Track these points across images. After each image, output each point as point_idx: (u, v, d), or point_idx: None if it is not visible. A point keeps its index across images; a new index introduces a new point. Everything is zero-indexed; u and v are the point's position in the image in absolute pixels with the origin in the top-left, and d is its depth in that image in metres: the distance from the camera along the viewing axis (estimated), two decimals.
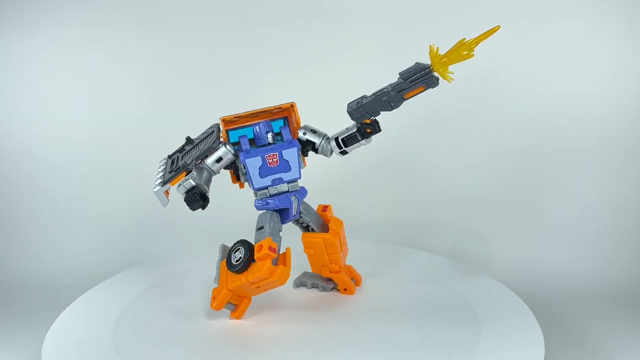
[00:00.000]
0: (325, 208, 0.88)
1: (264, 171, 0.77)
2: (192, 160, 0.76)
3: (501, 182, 1.41)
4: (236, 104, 1.46)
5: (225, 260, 0.79)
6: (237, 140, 0.79)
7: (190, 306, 0.85)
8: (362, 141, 0.77)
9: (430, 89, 0.72)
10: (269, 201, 0.79)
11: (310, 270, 0.93)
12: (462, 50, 0.68)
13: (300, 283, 0.93)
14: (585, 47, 1.38)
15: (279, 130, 0.80)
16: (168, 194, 0.78)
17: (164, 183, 0.76)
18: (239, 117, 0.79)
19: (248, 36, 1.48)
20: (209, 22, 1.47)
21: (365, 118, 0.76)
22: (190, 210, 0.76)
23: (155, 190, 0.76)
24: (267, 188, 0.79)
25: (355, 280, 0.91)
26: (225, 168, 0.81)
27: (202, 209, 0.76)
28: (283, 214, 0.80)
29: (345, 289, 0.89)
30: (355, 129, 0.77)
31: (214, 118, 1.52)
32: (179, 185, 0.75)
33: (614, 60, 1.36)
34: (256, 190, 0.79)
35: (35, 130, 1.45)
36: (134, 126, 1.48)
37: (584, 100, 1.38)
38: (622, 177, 1.35)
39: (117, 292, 0.90)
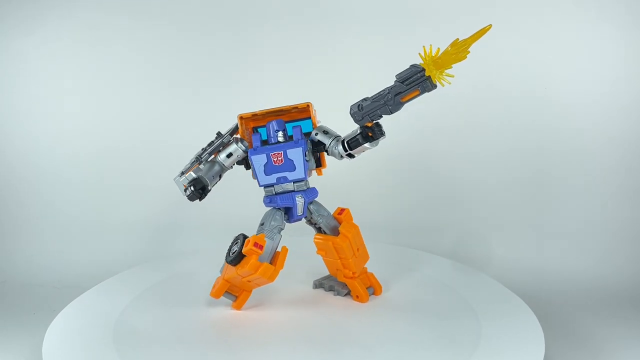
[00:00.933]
0: (341, 211, 0.86)
1: (269, 169, 0.79)
2: (206, 153, 0.82)
3: (501, 182, 1.41)
4: (238, 105, 1.47)
5: None
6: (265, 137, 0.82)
7: (190, 306, 0.85)
8: (365, 145, 0.75)
9: (428, 93, 0.69)
10: (272, 199, 0.81)
11: None
12: (454, 51, 0.65)
13: (319, 284, 0.92)
14: (585, 46, 1.38)
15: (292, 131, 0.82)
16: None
17: (182, 173, 0.81)
18: (256, 114, 0.82)
19: (252, 37, 1.48)
20: (212, 22, 1.47)
21: (366, 121, 0.74)
22: (189, 201, 0.81)
23: (174, 179, 0.82)
24: (272, 186, 0.80)
25: (374, 289, 0.88)
26: (238, 164, 0.84)
27: (199, 200, 0.81)
28: (290, 213, 0.82)
29: (357, 296, 0.86)
30: (358, 132, 0.76)
31: (215, 119, 1.53)
32: (181, 175, 0.80)
33: (614, 61, 1.36)
34: (261, 187, 0.81)
35: (35, 130, 1.45)
36: (134, 126, 1.48)
37: (584, 100, 1.38)
38: (622, 177, 1.35)
39: (117, 292, 0.90)
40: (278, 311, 0.83)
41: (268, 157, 0.79)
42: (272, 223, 0.80)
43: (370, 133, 0.75)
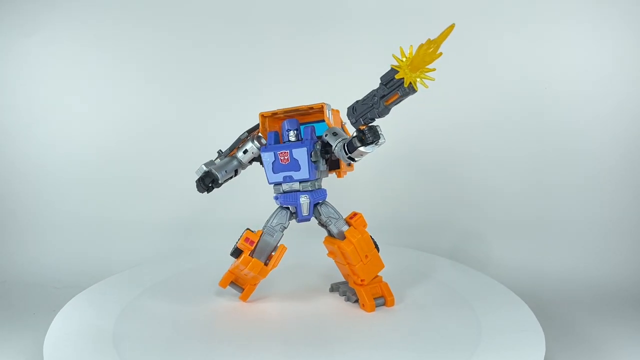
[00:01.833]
0: (353, 216, 0.84)
1: (276, 167, 0.80)
2: (227, 149, 0.85)
3: (501, 182, 1.41)
4: (239, 107, 1.47)
5: None
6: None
7: (190, 306, 0.85)
8: (360, 148, 0.70)
9: (412, 95, 0.65)
10: (278, 197, 0.82)
11: None
12: (424, 53, 0.60)
13: (335, 288, 0.92)
14: (586, 46, 1.38)
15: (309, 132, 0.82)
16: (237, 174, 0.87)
17: (206, 166, 0.85)
18: (275, 113, 0.83)
19: (257, 39, 1.48)
20: (215, 23, 1.47)
21: (360, 124, 0.71)
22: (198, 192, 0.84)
23: (196, 171, 0.85)
24: (280, 184, 0.81)
25: (385, 299, 0.84)
26: (255, 161, 0.86)
27: (207, 192, 0.84)
28: (297, 212, 0.82)
29: (363, 305, 0.83)
30: (354, 135, 0.73)
31: (215, 119, 1.53)
32: (199, 169, 0.84)
33: (615, 61, 1.36)
34: (270, 184, 0.82)
35: (35, 130, 1.45)
36: (135, 126, 1.48)
37: (585, 100, 1.38)
38: (622, 177, 1.35)
39: (117, 291, 0.90)
40: (280, 312, 0.83)
41: (276, 155, 0.80)
42: (275, 220, 0.82)
43: (363, 136, 0.70)
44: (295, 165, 0.79)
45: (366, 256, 0.81)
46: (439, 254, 1.23)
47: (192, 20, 1.47)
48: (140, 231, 1.39)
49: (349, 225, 0.82)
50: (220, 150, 0.86)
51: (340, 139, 0.77)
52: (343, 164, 0.83)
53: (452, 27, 0.57)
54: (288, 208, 0.83)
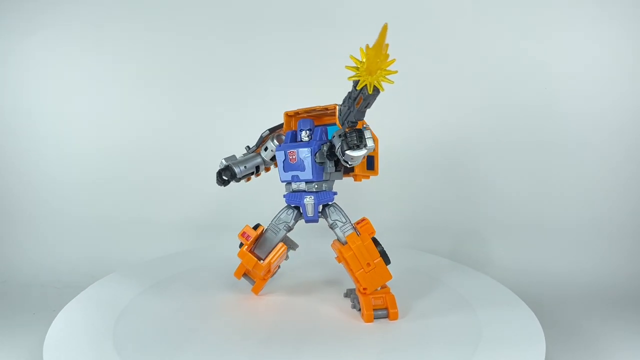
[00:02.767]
0: (361, 221, 0.82)
1: (286, 166, 0.80)
2: (254, 145, 0.87)
3: (501, 182, 1.41)
4: (246, 107, 1.47)
5: None
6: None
7: (191, 305, 0.85)
8: (347, 152, 0.68)
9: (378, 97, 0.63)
10: (285, 195, 0.82)
11: None
12: (371, 56, 0.58)
13: (348, 294, 0.91)
14: (585, 45, 1.38)
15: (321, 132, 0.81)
16: (249, 179, 0.88)
17: (226, 160, 0.86)
18: (297, 112, 0.83)
19: (265, 38, 1.48)
20: (214, 24, 1.47)
21: (347, 126, 0.70)
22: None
23: (219, 163, 0.86)
24: (290, 183, 0.81)
25: (388, 312, 0.80)
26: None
27: (224, 186, 0.85)
28: (303, 213, 0.82)
29: (363, 314, 0.81)
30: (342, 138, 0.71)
31: (216, 119, 1.53)
32: (220, 163, 0.86)
33: (615, 60, 1.36)
34: (282, 182, 0.82)
35: (35, 130, 1.45)
36: (134, 126, 1.48)
37: (584, 100, 1.38)
38: (622, 177, 1.35)
39: (118, 291, 0.90)
40: (280, 313, 0.83)
41: (286, 154, 0.80)
42: (281, 217, 0.83)
43: (348, 139, 0.68)
44: (301, 165, 0.79)
45: (368, 264, 0.78)
46: (439, 254, 1.23)
47: (192, 20, 1.47)
48: (140, 231, 1.39)
49: (355, 230, 0.80)
50: (247, 146, 0.87)
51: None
52: (357, 168, 0.81)
53: (385, 26, 0.55)
54: (296, 208, 0.83)
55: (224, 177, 0.83)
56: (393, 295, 0.80)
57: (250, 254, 0.82)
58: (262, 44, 1.47)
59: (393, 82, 0.59)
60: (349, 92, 0.67)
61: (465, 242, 1.35)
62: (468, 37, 1.42)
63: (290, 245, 0.90)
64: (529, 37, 1.40)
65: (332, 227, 0.82)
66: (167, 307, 0.84)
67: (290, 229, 0.84)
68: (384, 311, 0.80)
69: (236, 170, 0.84)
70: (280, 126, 0.86)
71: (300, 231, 0.92)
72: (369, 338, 0.74)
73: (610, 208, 1.34)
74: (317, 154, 0.78)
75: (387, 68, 0.59)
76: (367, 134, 0.68)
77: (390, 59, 0.58)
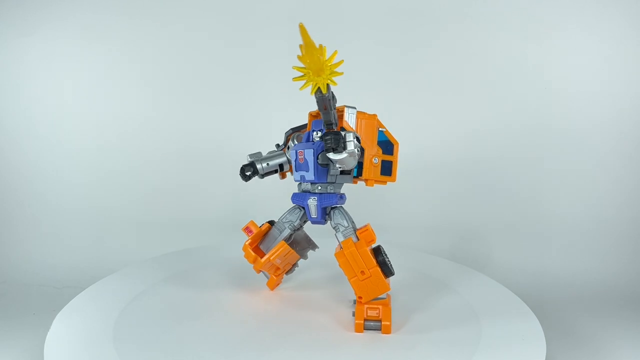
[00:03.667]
0: (363, 227, 0.79)
1: (297, 166, 0.80)
2: (282, 144, 0.87)
3: (501, 182, 1.41)
4: (248, 108, 1.48)
5: None
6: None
7: (191, 305, 0.85)
8: (328, 155, 0.67)
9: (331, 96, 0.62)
10: (293, 194, 0.82)
11: None
12: (309, 57, 0.57)
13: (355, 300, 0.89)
14: (585, 47, 1.38)
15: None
16: (284, 175, 0.88)
17: (250, 156, 0.87)
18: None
19: (256, 38, 1.48)
20: (212, 22, 1.47)
21: (326, 128, 0.68)
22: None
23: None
24: (300, 183, 0.81)
25: (382, 325, 0.76)
26: None
27: (246, 181, 0.85)
28: (307, 214, 0.82)
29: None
30: None
31: (215, 118, 1.53)
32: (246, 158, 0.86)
33: (614, 61, 1.36)
34: (295, 182, 0.82)
35: (35, 130, 1.45)
36: (134, 126, 1.48)
37: (584, 101, 1.38)
38: (622, 178, 1.35)
39: (118, 290, 0.90)
40: (281, 316, 0.83)
41: (296, 154, 0.80)
42: (286, 217, 0.84)
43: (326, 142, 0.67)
44: (306, 166, 0.79)
45: (362, 272, 0.74)
46: (439, 254, 1.23)
47: (193, 19, 1.47)
48: (140, 231, 1.39)
49: (355, 236, 0.77)
50: (277, 144, 0.87)
51: None
52: (367, 172, 0.78)
53: (300, 26, 0.55)
54: (303, 208, 0.83)
55: (246, 173, 0.84)
56: (389, 308, 0.76)
57: (249, 249, 0.83)
58: (274, 42, 1.47)
59: (342, 73, 0.59)
60: None
61: (466, 242, 1.35)
62: (467, 37, 1.42)
63: (309, 245, 0.90)
64: (529, 38, 1.40)
65: (335, 230, 0.81)
66: (168, 307, 0.84)
67: (296, 228, 0.84)
68: (377, 323, 0.76)
69: (258, 166, 0.84)
70: (304, 126, 0.86)
71: (311, 232, 0.92)
72: (368, 337, 0.74)
73: (610, 208, 1.34)
74: (319, 155, 0.77)
75: (336, 72, 0.58)
76: (348, 137, 0.67)
77: (332, 53, 0.58)
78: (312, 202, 0.79)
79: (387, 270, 0.75)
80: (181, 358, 0.68)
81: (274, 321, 0.80)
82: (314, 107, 0.79)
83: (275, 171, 0.86)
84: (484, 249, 1.32)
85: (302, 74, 0.59)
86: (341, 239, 0.78)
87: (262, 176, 0.85)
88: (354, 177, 0.81)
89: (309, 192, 0.80)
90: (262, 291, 0.92)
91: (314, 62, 0.57)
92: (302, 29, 0.55)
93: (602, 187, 1.36)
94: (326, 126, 0.69)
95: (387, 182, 0.81)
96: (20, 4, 1.43)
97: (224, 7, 1.46)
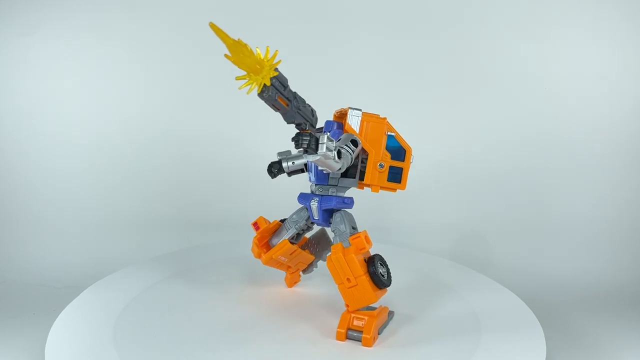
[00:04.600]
0: (358, 233, 0.76)
1: (309, 166, 0.81)
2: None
3: (501, 182, 1.41)
4: (247, 105, 1.47)
5: None
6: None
7: (190, 305, 0.85)
8: (304, 156, 0.66)
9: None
10: (299, 194, 0.82)
11: None
12: (242, 56, 0.57)
13: None
14: (586, 47, 1.38)
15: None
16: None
17: (278, 154, 0.87)
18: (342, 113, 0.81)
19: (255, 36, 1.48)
20: (210, 19, 1.47)
21: (298, 127, 0.67)
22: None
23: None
24: (311, 183, 0.81)
25: (363, 337, 0.72)
26: None
27: (272, 178, 0.84)
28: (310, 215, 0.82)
29: None
30: None
31: (215, 118, 1.53)
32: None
33: (615, 61, 1.36)
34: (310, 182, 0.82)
35: (35, 130, 1.45)
36: (134, 125, 1.48)
37: (585, 101, 1.38)
38: (622, 178, 1.35)
39: (118, 291, 0.90)
40: (282, 317, 0.83)
41: None
42: (294, 217, 0.84)
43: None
44: (310, 166, 0.79)
45: (348, 279, 0.71)
46: (439, 254, 1.23)
47: (192, 19, 1.47)
48: (141, 230, 1.38)
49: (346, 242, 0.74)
50: None
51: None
52: (371, 177, 0.76)
53: (211, 25, 0.54)
54: (305, 207, 0.83)
55: (273, 170, 0.84)
56: (374, 321, 0.72)
57: (255, 244, 0.86)
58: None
59: (277, 69, 0.59)
60: None
61: (466, 242, 1.35)
62: (468, 39, 1.42)
63: (329, 248, 0.89)
64: (530, 39, 1.40)
65: (333, 233, 0.80)
66: (168, 307, 0.84)
67: (302, 228, 0.84)
68: (359, 334, 0.72)
69: (284, 165, 0.84)
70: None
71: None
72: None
73: (611, 209, 1.34)
74: None
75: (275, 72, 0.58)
76: (321, 139, 0.65)
77: (267, 49, 0.58)
78: (313, 204, 0.79)
79: (377, 281, 0.71)
80: (181, 358, 0.68)
81: (274, 322, 0.80)
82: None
83: (302, 170, 0.85)
84: (485, 250, 1.32)
85: (251, 77, 0.58)
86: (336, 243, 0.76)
87: (289, 174, 0.85)
88: (361, 181, 0.79)
89: (313, 193, 0.80)
90: (263, 291, 0.92)
91: (250, 61, 0.57)
92: (215, 29, 0.54)
93: (603, 187, 1.36)
94: (296, 127, 0.67)
95: (397, 190, 0.78)
96: (21, 4, 1.43)
97: (231, 6, 1.46)
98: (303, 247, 0.90)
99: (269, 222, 0.87)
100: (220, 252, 1.12)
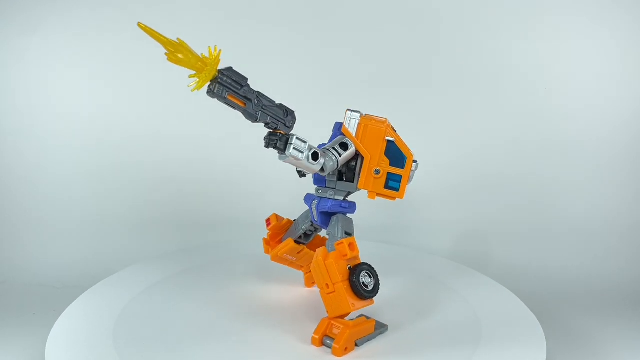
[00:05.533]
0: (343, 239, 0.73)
1: None
2: None
3: (501, 183, 1.41)
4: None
5: None
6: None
7: (190, 305, 0.85)
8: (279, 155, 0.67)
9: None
10: (306, 195, 0.82)
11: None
12: (180, 56, 0.59)
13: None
14: (586, 46, 1.38)
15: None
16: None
17: None
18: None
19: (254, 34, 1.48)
20: (207, 17, 1.47)
21: (266, 127, 0.68)
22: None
23: None
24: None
25: (332, 346, 0.69)
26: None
27: (300, 177, 0.79)
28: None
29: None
30: None
31: (214, 117, 1.52)
32: None
33: (614, 61, 1.36)
34: None
35: (34, 129, 1.45)
36: (134, 125, 1.47)
37: (585, 101, 1.38)
38: (622, 178, 1.35)
39: (119, 291, 0.90)
40: (281, 318, 0.83)
41: None
42: (302, 216, 0.85)
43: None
44: None
45: (327, 285, 0.68)
46: (439, 254, 1.23)
47: (193, 18, 1.47)
48: (140, 231, 1.38)
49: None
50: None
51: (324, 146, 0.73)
52: (365, 183, 0.73)
53: (139, 25, 0.55)
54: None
55: (298, 170, 0.82)
56: (347, 332, 0.69)
57: (264, 241, 0.88)
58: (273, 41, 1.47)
59: (232, 67, 0.60)
60: None
61: (465, 242, 1.35)
62: (464, 35, 1.42)
63: None
64: (529, 39, 1.40)
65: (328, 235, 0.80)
66: (168, 307, 0.84)
67: (309, 229, 0.83)
68: (332, 341, 0.70)
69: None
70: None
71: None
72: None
73: (610, 208, 1.34)
74: None
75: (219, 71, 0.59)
76: (290, 140, 0.66)
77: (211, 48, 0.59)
78: (313, 205, 0.79)
79: (357, 291, 0.68)
80: (181, 358, 0.68)
81: (272, 322, 0.80)
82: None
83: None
84: (485, 250, 1.32)
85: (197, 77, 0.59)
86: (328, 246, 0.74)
87: (300, 175, 0.83)
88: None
89: (314, 194, 0.80)
90: (263, 291, 0.92)
91: (192, 60, 0.59)
92: (145, 29, 0.54)
93: (603, 187, 1.36)
94: (265, 126, 0.67)
95: (396, 198, 0.73)
96: (21, 4, 1.42)
97: (230, 7, 1.46)
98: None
99: (281, 220, 0.88)
100: (220, 252, 1.12)
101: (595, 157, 1.37)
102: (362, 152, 0.73)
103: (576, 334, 0.95)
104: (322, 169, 0.71)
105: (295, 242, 0.85)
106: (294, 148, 0.66)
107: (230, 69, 0.63)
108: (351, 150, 0.73)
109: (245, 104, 0.64)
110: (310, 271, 0.90)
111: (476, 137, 1.44)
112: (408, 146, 0.73)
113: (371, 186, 0.73)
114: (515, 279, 1.14)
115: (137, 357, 0.68)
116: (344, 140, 0.73)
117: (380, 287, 0.70)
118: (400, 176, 0.72)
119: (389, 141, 0.73)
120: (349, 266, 0.69)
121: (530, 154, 1.40)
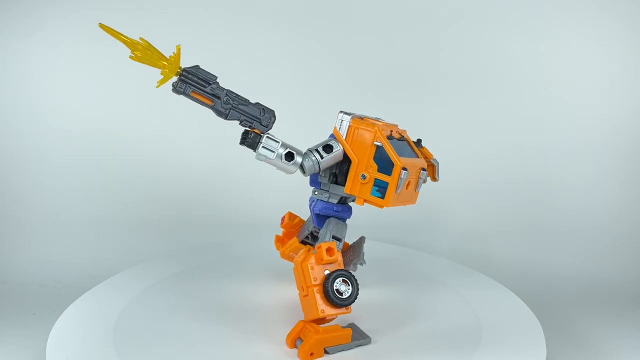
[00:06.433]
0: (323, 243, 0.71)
1: None
2: None
3: (501, 183, 1.41)
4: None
5: None
6: None
7: (190, 305, 0.85)
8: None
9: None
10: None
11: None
12: (146, 55, 0.63)
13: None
14: (586, 47, 1.38)
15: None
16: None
17: None
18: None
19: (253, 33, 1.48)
20: (206, 15, 1.47)
21: (241, 124, 0.69)
22: None
23: None
24: None
25: (299, 347, 0.68)
26: None
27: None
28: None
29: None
30: None
31: (214, 117, 1.53)
32: None
33: (615, 61, 1.36)
34: None
35: (35, 129, 1.45)
36: (135, 125, 1.48)
37: (585, 101, 1.38)
38: (622, 178, 1.35)
39: (119, 291, 0.90)
40: (281, 319, 0.83)
41: None
42: (310, 217, 0.85)
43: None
44: None
45: (302, 288, 0.68)
46: (439, 254, 1.23)
47: (193, 18, 1.47)
48: (141, 231, 1.39)
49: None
50: None
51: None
52: (352, 187, 0.71)
53: (100, 25, 0.58)
54: None
55: None
56: (314, 337, 0.67)
57: (277, 237, 0.92)
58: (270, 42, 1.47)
59: (199, 66, 0.63)
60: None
61: (465, 242, 1.35)
62: (466, 38, 1.42)
63: (357, 257, 0.87)
64: (530, 40, 1.40)
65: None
66: (168, 307, 0.84)
67: (315, 230, 0.83)
68: (300, 341, 0.70)
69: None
70: None
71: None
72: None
73: (610, 208, 1.34)
74: None
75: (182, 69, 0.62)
76: (262, 139, 0.67)
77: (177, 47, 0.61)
78: (311, 206, 0.79)
79: (329, 298, 0.65)
80: (181, 358, 0.68)
81: (272, 322, 0.80)
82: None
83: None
84: (485, 250, 1.32)
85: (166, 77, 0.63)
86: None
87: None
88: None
89: (313, 196, 0.80)
90: (263, 291, 0.92)
91: (155, 59, 0.61)
92: (106, 29, 0.56)
93: (603, 188, 1.36)
94: (240, 124, 0.68)
95: (383, 207, 0.69)
96: (21, 4, 1.43)
97: (232, 7, 1.46)
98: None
99: (294, 219, 0.90)
100: (220, 252, 1.12)
101: (596, 157, 1.37)
102: (350, 155, 0.71)
103: (576, 334, 0.95)
104: (303, 170, 0.71)
105: (302, 242, 0.85)
106: (263, 147, 0.67)
107: (196, 67, 0.65)
108: (336, 152, 0.71)
109: (212, 102, 0.66)
110: None
111: (477, 138, 1.44)
112: (397, 153, 0.69)
113: (357, 191, 0.70)
114: (515, 279, 1.14)
115: (137, 357, 0.68)
116: (330, 143, 0.72)
117: (358, 296, 0.67)
118: (387, 183, 0.68)
119: (378, 146, 0.69)
120: (326, 271, 0.67)
121: (530, 154, 1.40)
